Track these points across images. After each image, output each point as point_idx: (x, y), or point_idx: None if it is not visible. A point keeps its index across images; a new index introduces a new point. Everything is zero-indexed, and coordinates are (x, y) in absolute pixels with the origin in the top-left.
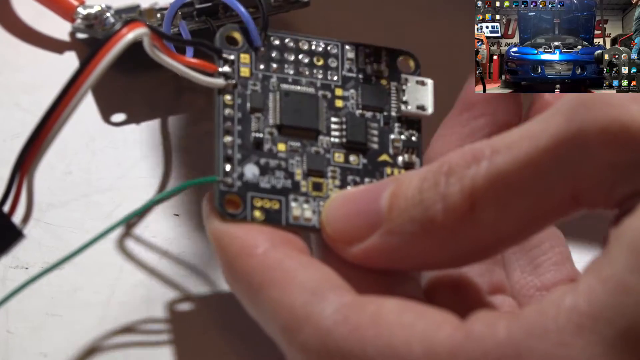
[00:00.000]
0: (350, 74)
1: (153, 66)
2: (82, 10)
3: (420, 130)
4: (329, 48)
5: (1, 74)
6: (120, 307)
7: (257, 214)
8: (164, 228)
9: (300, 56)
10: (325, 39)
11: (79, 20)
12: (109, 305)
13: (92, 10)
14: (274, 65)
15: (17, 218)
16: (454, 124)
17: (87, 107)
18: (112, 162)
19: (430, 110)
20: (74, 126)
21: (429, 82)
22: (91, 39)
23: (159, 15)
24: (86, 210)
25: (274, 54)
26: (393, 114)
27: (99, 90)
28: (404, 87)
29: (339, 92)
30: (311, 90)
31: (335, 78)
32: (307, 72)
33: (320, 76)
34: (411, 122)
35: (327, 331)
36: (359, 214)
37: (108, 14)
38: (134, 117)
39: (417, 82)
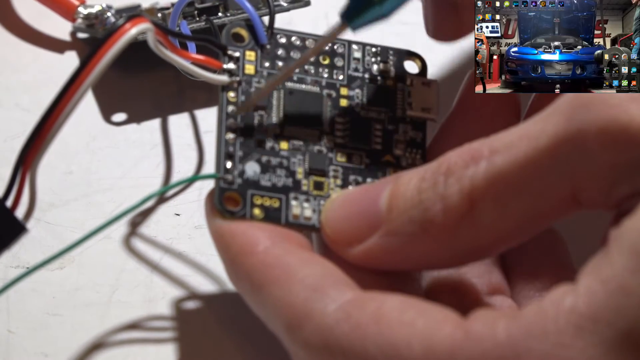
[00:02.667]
0: (356, 74)
1: (154, 66)
2: (82, 10)
3: (424, 131)
4: (335, 47)
5: (2, 74)
6: (121, 306)
7: (257, 211)
8: (165, 228)
9: None
10: None
11: (79, 20)
12: (110, 305)
13: (93, 10)
14: (280, 63)
15: (20, 213)
16: (452, 125)
17: (88, 106)
18: (112, 161)
19: (435, 112)
20: (74, 126)
21: (435, 83)
22: (92, 39)
23: (159, 14)
24: (87, 210)
25: (279, 52)
26: (398, 114)
27: (100, 90)
28: (409, 88)
29: (344, 91)
30: (316, 89)
31: (341, 77)
32: (312, 71)
33: (325, 75)
34: (416, 123)
35: (328, 328)
36: (359, 215)
37: (109, 14)
38: (134, 117)
39: (423, 83)
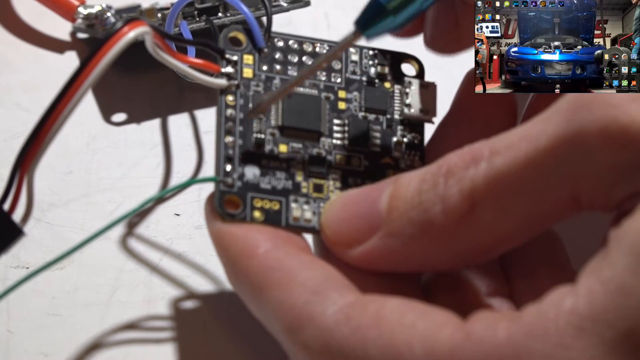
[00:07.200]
0: (354, 77)
1: (154, 66)
2: (82, 10)
3: (423, 133)
4: None
5: (2, 74)
6: (121, 306)
7: (257, 214)
8: (165, 228)
9: (304, 58)
10: (329, 41)
11: (79, 20)
12: (109, 305)
13: (93, 10)
14: (277, 67)
15: (17, 216)
16: (450, 126)
17: (88, 107)
18: (112, 161)
19: (433, 113)
20: (74, 126)
21: (433, 85)
22: (92, 39)
23: (159, 15)
24: (87, 210)
25: (277, 56)
26: (396, 116)
27: (100, 90)
28: (407, 90)
29: (342, 94)
30: (314, 92)
31: (339, 80)
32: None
33: (323, 78)
34: (414, 125)
35: (329, 331)
36: (359, 217)
37: (109, 14)
38: (134, 117)
39: (421, 85)
